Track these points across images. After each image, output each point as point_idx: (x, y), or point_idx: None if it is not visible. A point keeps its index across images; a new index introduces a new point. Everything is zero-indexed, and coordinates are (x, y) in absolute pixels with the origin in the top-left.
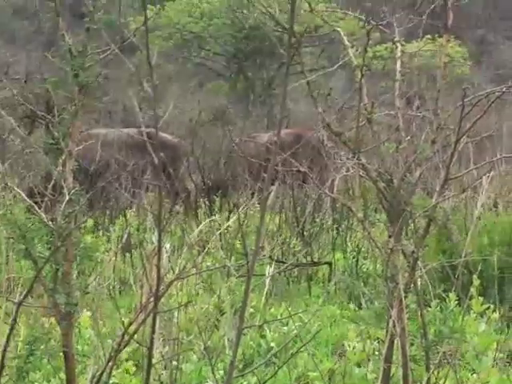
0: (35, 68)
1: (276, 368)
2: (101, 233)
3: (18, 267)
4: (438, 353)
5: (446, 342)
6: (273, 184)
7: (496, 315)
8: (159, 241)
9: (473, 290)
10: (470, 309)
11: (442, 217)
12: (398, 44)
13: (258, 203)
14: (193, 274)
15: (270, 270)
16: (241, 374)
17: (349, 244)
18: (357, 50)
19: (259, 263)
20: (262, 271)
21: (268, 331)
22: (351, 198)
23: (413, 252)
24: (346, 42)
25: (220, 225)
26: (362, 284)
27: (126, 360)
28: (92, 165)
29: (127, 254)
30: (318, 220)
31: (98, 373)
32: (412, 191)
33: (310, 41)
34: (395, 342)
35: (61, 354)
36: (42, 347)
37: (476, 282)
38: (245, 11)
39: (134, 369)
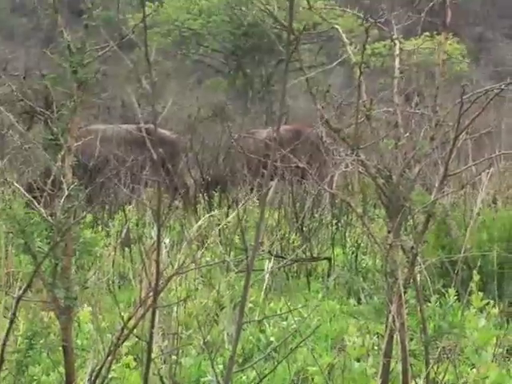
0: (34, 64)
1: (275, 363)
2: (100, 228)
3: (18, 262)
4: (437, 348)
5: (446, 337)
6: (272, 180)
7: (495, 310)
8: (158, 236)
9: (473, 286)
10: (470, 304)
11: (441, 213)
12: (397, 41)
13: (257, 199)
14: (192, 269)
15: (269, 265)
16: (240, 368)
17: (348, 239)
18: (355, 47)
19: (258, 258)
20: (261, 266)
21: (267, 326)
22: (350, 194)
23: (412, 247)
24: (345, 39)
25: (219, 220)
26: (362, 279)
27: (126, 354)
28: (91, 160)
29: (126, 249)
30: (317, 215)
31: (98, 367)
32: (411, 187)
33: (309, 38)
34: (395, 336)
35: (60, 348)
36: (41, 341)
37: (476, 277)
38: (243, 8)
39: (133, 363)
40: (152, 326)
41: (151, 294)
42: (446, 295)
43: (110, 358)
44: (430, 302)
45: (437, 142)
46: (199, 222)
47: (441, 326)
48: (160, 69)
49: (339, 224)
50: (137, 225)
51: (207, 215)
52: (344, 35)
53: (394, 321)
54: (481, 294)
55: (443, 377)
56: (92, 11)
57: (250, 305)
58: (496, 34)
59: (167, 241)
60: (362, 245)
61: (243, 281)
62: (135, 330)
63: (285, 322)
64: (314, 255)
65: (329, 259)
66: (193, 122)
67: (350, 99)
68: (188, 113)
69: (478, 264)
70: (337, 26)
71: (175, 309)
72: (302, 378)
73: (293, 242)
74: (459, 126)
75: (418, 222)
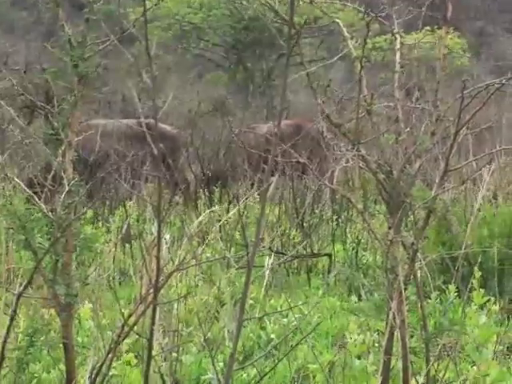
0: (35, 58)
1: (276, 360)
2: (100, 224)
3: (18, 258)
4: (437, 345)
5: (446, 334)
6: (272, 175)
7: (496, 307)
8: (159, 232)
9: (474, 282)
10: (471, 301)
11: (442, 208)
12: (398, 35)
13: (258, 194)
14: (192, 266)
15: (269, 261)
16: (241, 366)
17: (348, 235)
18: (356, 42)
19: (259, 255)
20: (261, 263)
21: (268, 323)
22: (351, 190)
23: (412, 244)
24: (346, 34)
25: (220, 216)
26: (362, 275)
27: (126, 351)
28: (91, 155)
29: (127, 245)
30: (317, 211)
31: (98, 364)
32: (412, 183)
33: (310, 32)
34: (395, 333)
35: (61, 345)
36: (41, 338)
37: (477, 274)
38: (244, 2)
39: (134, 360)
40: (152, 323)
41: (152, 290)
42: (447, 292)
43: (110, 355)
44: (430, 298)
45: (437, 137)
46: (200, 218)
47: (441, 323)
48: (160, 63)
49: (340, 220)
50: (137, 220)
51: (208, 211)
52: (345, 29)
53: (394, 318)
54: (482, 290)
55: (444, 374)
56: (93, 5)
57: (251, 301)
58: (497, 28)
59: (168, 237)
60: (362, 241)
61: (244, 277)
62: (136, 327)
63: (285, 319)
64: (315, 251)
65: (329, 255)
66: (193, 117)
67: (350, 94)
68: (188, 107)
69: (479, 260)
70: (338, 20)
71: (176, 305)
72: (302, 375)
73: (293, 238)
74: (460, 121)
75: (419, 218)
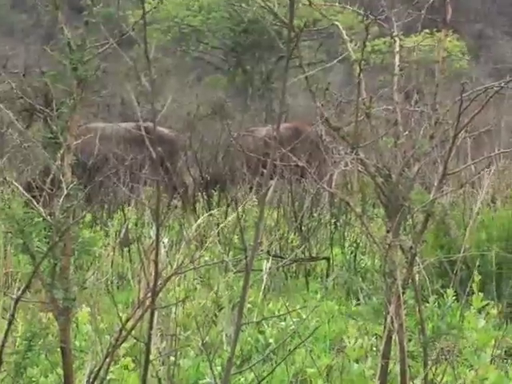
0: (34, 61)
1: (274, 364)
2: (99, 227)
3: (16, 262)
4: (435, 349)
5: (444, 337)
6: (271, 179)
7: (494, 311)
8: (157, 236)
9: (473, 286)
10: (470, 305)
11: (440, 212)
12: (397, 38)
13: (256, 198)
14: (190, 269)
15: (267, 265)
16: (239, 370)
17: (347, 239)
18: (355, 44)
19: (257, 258)
20: (259, 266)
21: (266, 327)
22: (349, 193)
23: (411, 247)
24: (345, 36)
25: (218, 220)
26: (360, 279)
27: (124, 356)
28: (90, 159)
29: (125, 249)
30: (316, 215)
31: (96, 368)
32: (410, 186)
33: (309, 34)
34: (393, 337)
35: (58, 349)
36: (39, 342)
37: (477, 278)
38: (243, 5)
39: (131, 364)
40: (150, 327)
41: (150, 294)
42: (445, 295)
43: (108, 359)
44: (428, 302)
45: (436, 141)
46: (198, 222)
47: (439, 327)
48: (159, 66)
49: (338, 223)
50: (136, 224)
51: (206, 214)
52: (344, 32)
53: (392, 321)
54: (481, 294)
55: (441, 378)
56: (92, 8)
57: (249, 305)
58: (496, 31)
59: (166, 240)
60: (360, 244)
61: (242, 281)
62: (133, 331)
63: (283, 323)
64: (313, 255)
65: (327, 259)
66: (192, 120)
67: (349, 97)
68: (187, 110)
69: (477, 264)
70: (337, 23)
71: (174, 309)
72: (300, 379)
73: (291, 242)
74: (459, 124)
75: (417, 222)
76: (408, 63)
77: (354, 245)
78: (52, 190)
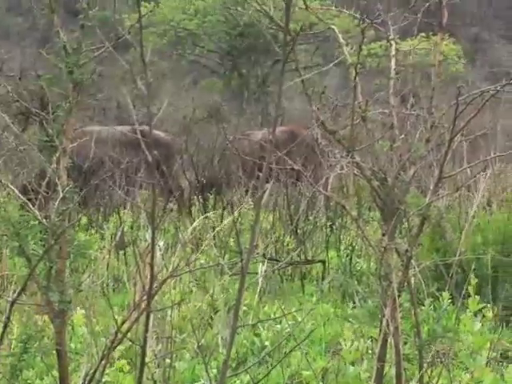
0: (30, 65)
1: (269, 367)
2: (94, 230)
3: (12, 265)
4: (431, 352)
5: (440, 340)
6: (267, 182)
7: (490, 314)
8: (152, 238)
9: (469, 289)
10: (465, 308)
11: (436, 215)
12: (393, 42)
13: (252, 201)
14: (186, 272)
15: (263, 268)
16: (234, 373)
17: (342, 242)
18: (351, 48)
19: (253, 261)
20: (255, 269)
21: (262, 330)
22: (345, 196)
23: (406, 250)
24: (341, 40)
25: (214, 223)
26: (356, 282)
27: (119, 358)
28: (86, 162)
29: (121, 252)
30: (311, 218)
31: (91, 371)
32: (406, 189)
33: (305, 38)
34: (389, 340)
35: (54, 351)
36: (35, 345)
37: (473, 281)
38: (239, 8)
39: (127, 367)
40: (146, 330)
41: (145, 297)
42: (440, 299)
43: (103, 361)
44: (424, 305)
45: (432, 144)
46: (194, 224)
47: (435, 330)
48: (155, 69)
49: (334, 226)
50: (131, 227)
51: (202, 217)
52: (340, 36)
53: (388, 324)
54: (477, 297)
55: (437, 381)
56: (88, 11)
57: (244, 308)
58: (492, 34)
59: (161, 243)
60: (356, 248)
61: (237, 284)
62: (129, 334)
63: (279, 326)
64: (309, 258)
65: (323, 262)
66: (188, 124)
67: (345, 100)
68: (183, 114)
69: (473, 267)
70: (333, 27)
71: (169, 312)
72: (295, 382)
73: (287, 245)
74: (454, 128)
75: (413, 225)
76: (404, 67)
77: (350, 248)
78: (48, 193)
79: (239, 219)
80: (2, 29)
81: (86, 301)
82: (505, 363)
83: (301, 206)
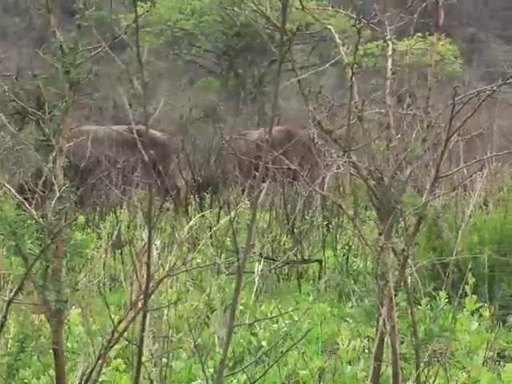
0: (26, 64)
1: (266, 366)
2: (91, 230)
3: (8, 264)
4: (428, 351)
5: (436, 340)
6: (263, 181)
7: (487, 313)
8: (149, 238)
9: (467, 288)
10: (463, 307)
11: (433, 215)
12: (390, 42)
13: (249, 200)
14: (183, 272)
15: (259, 267)
16: (231, 372)
17: (339, 241)
18: (348, 48)
19: (249, 261)
20: (251, 268)
21: (258, 329)
22: (341, 196)
23: (403, 250)
24: (338, 40)
25: (211, 223)
26: (353, 282)
27: (116, 357)
28: (82, 161)
29: (117, 251)
30: (308, 217)
31: (88, 370)
32: (402, 189)
33: (301, 38)
34: (385, 340)
35: (50, 351)
36: (32, 344)
37: (470, 280)
38: (236, 8)
39: (123, 366)
40: (142, 329)
41: (142, 296)
42: (437, 298)
43: (100, 361)
44: (420, 304)
45: (428, 144)
46: (190, 223)
47: (431, 329)
48: (152, 69)
49: (330, 226)
50: (128, 227)
51: (198, 215)
52: (337, 36)
53: (384, 324)
54: (474, 296)
55: (434, 380)
56: (84, 11)
57: (241, 307)
58: (488, 34)
59: (158, 243)
60: (353, 247)
61: (234, 283)
62: (126, 333)
63: (276, 325)
64: (305, 257)
65: (320, 261)
66: (184, 123)
67: (342, 100)
68: (180, 113)
69: (469, 267)
70: (330, 27)
71: (166, 311)
72: (292, 381)
73: (284, 244)
74: (451, 128)
75: (410, 224)
76: (400, 67)
77: (347, 247)
78: (44, 193)
79: (236, 218)
80: None
81: (82, 300)
82: (502, 362)
83: (297, 206)
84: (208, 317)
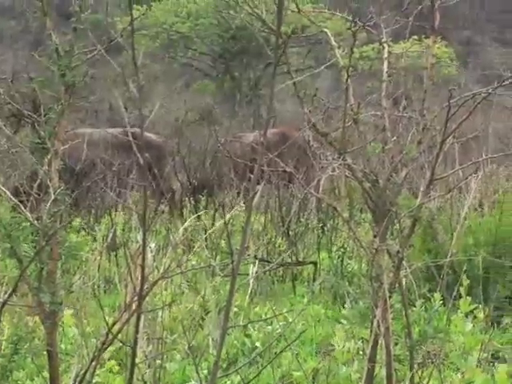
0: (22, 67)
1: (260, 367)
2: (86, 232)
3: (3, 266)
4: (422, 352)
5: (431, 341)
6: (258, 184)
7: (481, 315)
8: (144, 240)
9: (461, 290)
10: (456, 309)
11: (428, 217)
12: (385, 45)
13: (244, 203)
14: (177, 274)
15: (254, 269)
16: (225, 373)
17: (334, 244)
18: (343, 51)
19: (244, 263)
20: (246, 271)
21: (252, 330)
22: (337, 198)
23: (398, 252)
24: (333, 43)
25: (206, 225)
26: (347, 284)
27: (110, 359)
28: (78, 164)
29: (112, 253)
30: (303, 220)
31: (82, 372)
32: (398, 191)
33: (297, 41)
34: (379, 341)
35: (45, 352)
36: (26, 346)
37: (465, 282)
38: (231, 11)
39: (117, 368)
40: (136, 331)
41: (136, 298)
42: (432, 300)
43: (94, 362)
44: (415, 306)
45: (424, 146)
46: (185, 224)
47: (426, 331)
48: (148, 72)
49: (325, 228)
50: (123, 229)
51: (193, 216)
52: (332, 38)
53: (378, 325)
54: (468, 298)
55: (427, 381)
56: (80, 14)
57: (235, 309)
58: (484, 37)
59: (153, 245)
60: (347, 249)
61: (229, 285)
62: (120, 335)
63: (270, 327)
64: (300, 259)
65: (314, 263)
66: (180, 126)
67: (337, 103)
68: (175, 116)
69: (464, 268)
70: (325, 29)
71: (160, 313)
72: (286, 382)
73: (279, 247)
74: (446, 130)
75: (405, 226)
76: (396, 69)
77: (341, 249)
78: (39, 195)
79: (231, 221)
80: None
81: (77, 302)
82: (496, 364)
83: (292, 208)
84: (202, 318)
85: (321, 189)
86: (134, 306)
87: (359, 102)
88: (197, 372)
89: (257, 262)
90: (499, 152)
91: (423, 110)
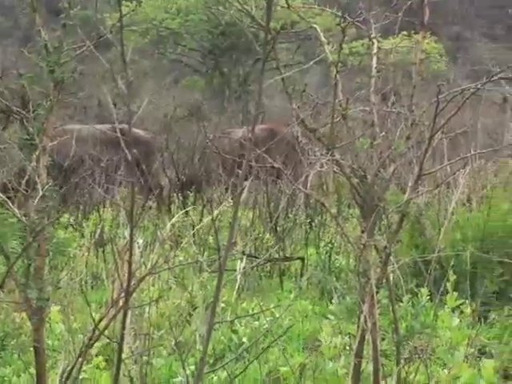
0: (11, 63)
1: (247, 363)
2: (74, 228)
3: None
4: (409, 347)
5: (418, 336)
6: (246, 179)
7: (468, 310)
8: (131, 236)
9: (448, 285)
10: (443, 304)
11: (416, 212)
12: (375, 40)
13: (232, 199)
14: (165, 269)
15: (242, 265)
16: (211, 369)
17: (322, 239)
18: (333, 47)
19: (232, 258)
20: (234, 266)
21: (239, 326)
22: (325, 194)
23: (385, 247)
24: (323, 39)
25: (194, 221)
26: (335, 279)
27: (96, 355)
28: (66, 160)
29: (100, 250)
30: (291, 215)
31: (69, 368)
32: (386, 187)
33: (286, 37)
34: (366, 336)
35: (31, 349)
36: (12, 342)
37: (452, 277)
38: (221, 7)
39: (104, 364)
40: (123, 327)
41: (123, 294)
42: (419, 295)
43: (80, 358)
44: (402, 301)
45: (412, 142)
46: (173, 220)
47: (413, 326)
48: (137, 68)
49: (313, 224)
50: (111, 225)
51: (181, 212)
52: (322, 34)
53: (365, 321)
54: (455, 293)
55: (414, 377)
56: (69, 10)
57: (223, 305)
58: (474, 33)
59: (140, 241)
60: (335, 245)
61: (216, 281)
62: (106, 331)
63: (257, 322)
64: (288, 255)
65: (302, 259)
66: (168, 122)
67: (326, 98)
68: (164, 112)
69: (451, 264)
70: (315, 25)
71: (147, 309)
72: (273, 378)
73: (266, 242)
74: (435, 126)
75: (392, 222)
76: (385, 65)
77: (329, 245)
78: (27, 191)
79: (219, 216)
80: None
81: (64, 298)
82: (483, 359)
83: (280, 204)
84: (190, 314)
85: (309, 184)
86: (121, 302)
87: (348, 98)
88: (183, 368)
89: (244, 257)
90: (488, 147)
91: (412, 106)
